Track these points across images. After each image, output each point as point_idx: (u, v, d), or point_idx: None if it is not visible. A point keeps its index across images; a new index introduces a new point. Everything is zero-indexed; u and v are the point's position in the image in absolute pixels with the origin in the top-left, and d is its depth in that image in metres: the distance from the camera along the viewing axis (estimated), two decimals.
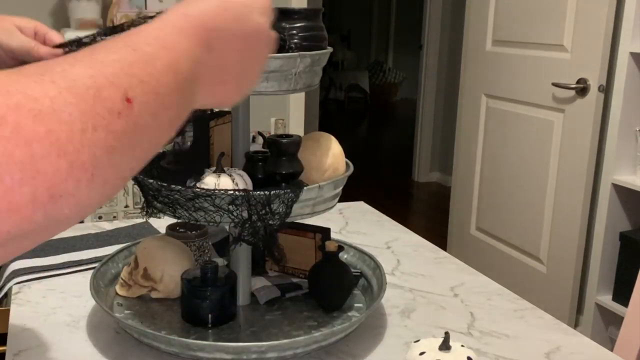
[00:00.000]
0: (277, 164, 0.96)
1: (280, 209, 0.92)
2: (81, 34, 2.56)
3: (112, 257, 1.19)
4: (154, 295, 1.11)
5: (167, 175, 1.01)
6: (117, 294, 1.13)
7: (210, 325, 1.02)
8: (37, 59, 0.72)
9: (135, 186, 1.01)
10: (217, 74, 0.51)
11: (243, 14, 0.52)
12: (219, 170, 0.95)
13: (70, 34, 2.41)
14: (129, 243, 1.27)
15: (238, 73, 0.53)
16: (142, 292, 1.11)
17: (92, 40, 0.73)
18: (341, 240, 1.27)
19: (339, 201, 1.10)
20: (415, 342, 0.88)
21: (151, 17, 0.59)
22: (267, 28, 0.55)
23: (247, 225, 0.92)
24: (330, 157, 1.03)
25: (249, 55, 0.54)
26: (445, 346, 0.85)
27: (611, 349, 1.20)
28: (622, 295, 2.43)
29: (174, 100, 0.44)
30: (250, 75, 0.56)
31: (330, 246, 1.09)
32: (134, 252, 1.14)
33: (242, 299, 1.10)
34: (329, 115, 8.80)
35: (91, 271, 1.15)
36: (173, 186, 0.92)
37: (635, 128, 2.45)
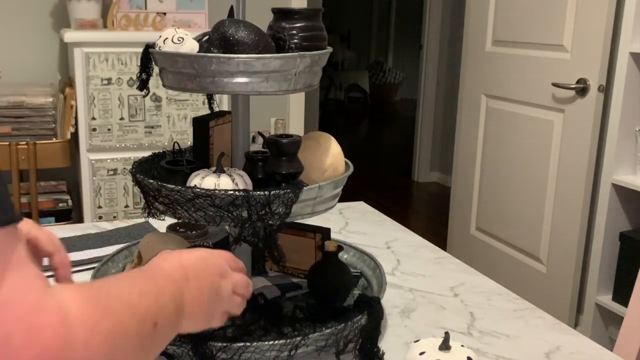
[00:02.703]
0: (277, 164, 0.96)
1: (280, 209, 0.93)
2: (82, 34, 2.53)
3: (112, 257, 1.19)
4: None
5: (167, 175, 1.01)
6: None
7: None
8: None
9: (136, 186, 1.01)
10: (194, 305, 0.69)
11: (209, 266, 0.73)
12: (219, 171, 0.95)
13: (71, 34, 2.41)
14: (129, 243, 1.27)
15: (206, 308, 0.72)
16: None
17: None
18: (341, 240, 1.27)
19: (339, 201, 1.10)
20: (415, 342, 0.88)
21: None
22: (222, 287, 0.75)
23: (247, 225, 0.92)
24: (330, 157, 1.03)
25: (213, 298, 0.73)
26: (445, 346, 0.85)
27: (611, 349, 1.20)
28: (622, 295, 2.43)
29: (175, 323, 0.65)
30: (215, 314, 0.74)
31: (329, 246, 1.09)
32: (135, 251, 1.14)
33: None
34: (329, 115, 8.80)
35: (91, 271, 1.15)
36: (173, 186, 0.92)
37: (635, 128, 2.45)
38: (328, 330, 0.95)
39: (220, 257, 0.76)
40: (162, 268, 0.68)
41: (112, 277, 0.64)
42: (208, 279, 0.72)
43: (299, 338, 0.93)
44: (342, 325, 0.96)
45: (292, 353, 0.93)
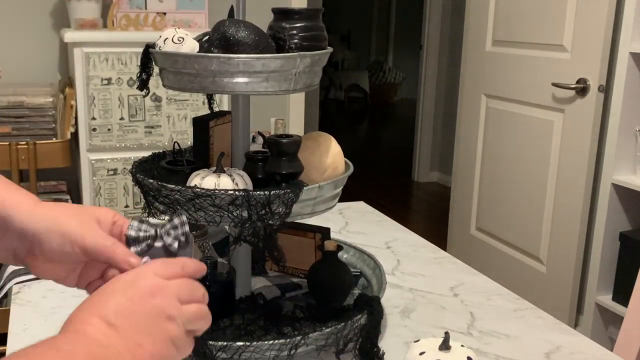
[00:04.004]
0: (277, 164, 0.96)
1: (280, 209, 0.93)
2: (82, 34, 2.53)
3: None
4: None
5: (167, 175, 1.01)
6: None
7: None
8: (108, 261, 0.66)
9: (136, 186, 1.01)
10: (131, 345, 0.55)
11: (147, 312, 0.57)
12: (219, 170, 0.95)
13: (71, 34, 2.41)
14: None
15: (150, 344, 0.57)
16: None
17: (158, 237, 0.68)
18: (341, 240, 1.27)
19: (339, 201, 1.10)
20: (415, 342, 0.88)
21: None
22: (159, 307, 0.58)
23: (247, 225, 0.92)
24: (330, 157, 1.03)
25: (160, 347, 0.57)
26: (445, 346, 0.85)
27: (611, 349, 1.20)
28: (622, 295, 2.43)
29: None
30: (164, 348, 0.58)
31: (329, 245, 1.09)
32: None
33: None
34: (329, 115, 8.80)
35: None
36: (173, 186, 0.92)
37: (635, 128, 2.45)
38: (328, 330, 0.95)
39: (160, 288, 0.59)
40: (84, 334, 0.55)
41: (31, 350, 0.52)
42: (152, 332, 0.57)
43: (298, 337, 0.93)
44: (342, 324, 0.96)
45: (292, 352, 0.93)
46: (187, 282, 0.61)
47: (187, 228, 0.68)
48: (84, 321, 0.55)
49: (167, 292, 0.59)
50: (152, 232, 0.67)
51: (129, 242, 0.67)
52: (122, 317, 0.56)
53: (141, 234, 0.67)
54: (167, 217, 0.78)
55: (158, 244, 0.67)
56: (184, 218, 0.68)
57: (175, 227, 0.67)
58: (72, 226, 0.66)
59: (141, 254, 0.66)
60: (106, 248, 0.65)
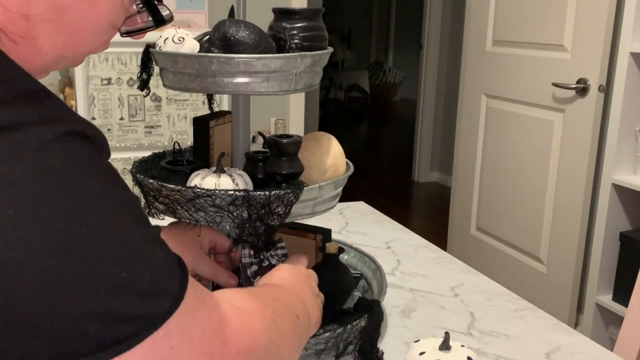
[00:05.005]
0: (277, 164, 0.96)
1: (281, 210, 0.92)
2: None
3: None
4: None
5: (167, 175, 1.01)
6: None
7: None
8: (214, 281, 0.95)
9: (136, 186, 1.01)
10: (310, 306, 0.79)
11: (301, 274, 0.84)
12: (219, 171, 0.95)
13: None
14: None
15: (314, 310, 0.80)
16: None
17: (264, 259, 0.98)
18: (341, 241, 1.27)
19: (339, 201, 1.10)
20: (415, 342, 0.88)
21: None
22: (314, 288, 0.86)
23: (247, 225, 0.92)
24: (331, 157, 1.03)
25: (316, 302, 0.83)
26: (445, 346, 0.85)
27: (611, 349, 1.20)
28: (622, 295, 2.43)
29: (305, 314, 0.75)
30: (319, 316, 0.83)
31: (330, 248, 1.08)
32: None
33: None
34: (329, 115, 8.80)
35: None
36: (173, 186, 0.92)
37: (635, 128, 2.45)
38: (327, 334, 0.94)
39: (298, 263, 0.88)
40: (274, 280, 0.79)
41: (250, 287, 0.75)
42: (305, 284, 0.82)
43: None
44: (342, 329, 0.96)
45: None
46: (297, 259, 0.91)
47: (284, 251, 0.98)
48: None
49: (312, 275, 0.87)
50: (261, 257, 0.95)
51: (244, 266, 0.95)
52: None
53: (253, 260, 0.95)
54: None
55: (265, 264, 0.95)
56: (283, 244, 0.98)
57: (276, 251, 0.96)
58: (188, 260, 0.91)
59: (254, 273, 0.95)
60: (213, 276, 0.94)
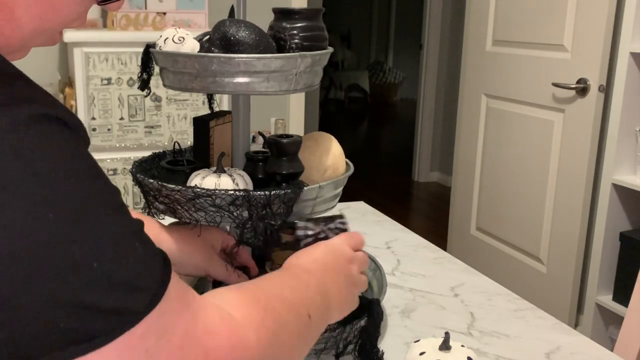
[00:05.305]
0: (277, 164, 0.96)
1: (281, 209, 0.92)
2: (82, 34, 2.52)
3: None
4: None
5: (167, 175, 1.01)
6: None
7: None
8: (224, 281, 0.94)
9: (136, 186, 1.01)
10: (336, 294, 0.75)
11: (337, 257, 0.80)
12: (219, 170, 0.95)
13: (71, 34, 2.41)
14: None
15: (345, 295, 0.79)
16: None
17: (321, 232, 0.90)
18: None
19: (339, 201, 1.10)
20: (415, 342, 0.88)
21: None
22: (352, 271, 0.82)
23: (247, 225, 0.92)
24: (331, 157, 1.03)
25: (349, 285, 0.80)
26: (445, 346, 0.85)
27: (611, 349, 1.20)
28: (622, 295, 2.43)
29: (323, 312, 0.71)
30: (353, 299, 0.82)
31: None
32: None
33: None
34: (329, 115, 8.80)
35: None
36: (173, 186, 0.92)
37: (635, 128, 2.45)
38: (326, 334, 0.95)
39: (343, 243, 0.82)
40: (299, 266, 0.73)
41: (261, 278, 0.68)
42: (340, 268, 0.78)
43: None
44: (341, 328, 0.96)
45: None
46: (351, 236, 0.85)
47: (344, 227, 0.89)
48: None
49: (343, 241, 0.83)
50: (318, 229, 0.87)
51: (299, 239, 0.86)
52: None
53: (309, 232, 0.87)
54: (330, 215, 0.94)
55: (321, 236, 0.87)
56: (345, 220, 0.90)
57: (335, 226, 0.89)
58: (200, 261, 0.92)
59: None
60: (224, 277, 0.94)
